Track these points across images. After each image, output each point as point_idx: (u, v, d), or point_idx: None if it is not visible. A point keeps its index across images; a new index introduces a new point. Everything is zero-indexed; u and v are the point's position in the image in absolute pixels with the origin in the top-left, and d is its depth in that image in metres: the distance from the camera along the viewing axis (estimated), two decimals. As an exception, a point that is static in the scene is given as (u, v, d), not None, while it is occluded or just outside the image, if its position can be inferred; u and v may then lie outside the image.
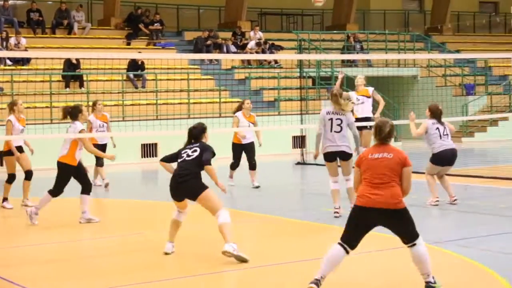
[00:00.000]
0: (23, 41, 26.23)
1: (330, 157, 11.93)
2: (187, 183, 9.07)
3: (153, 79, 26.27)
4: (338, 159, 11.99)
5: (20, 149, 13.81)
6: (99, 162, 16.82)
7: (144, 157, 23.67)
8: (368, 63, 31.63)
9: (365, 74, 29.81)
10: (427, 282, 7.20)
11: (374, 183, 7.17)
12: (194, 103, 25.15)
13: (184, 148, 9.41)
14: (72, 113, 12.19)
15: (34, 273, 8.73)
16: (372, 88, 17.37)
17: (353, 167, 7.58)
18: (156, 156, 23.60)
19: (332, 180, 11.92)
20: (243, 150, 16.57)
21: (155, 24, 30.60)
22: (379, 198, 7.11)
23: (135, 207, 14.61)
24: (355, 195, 7.63)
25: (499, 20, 41.71)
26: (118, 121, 22.44)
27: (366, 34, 33.74)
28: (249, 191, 16.04)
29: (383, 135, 7.40)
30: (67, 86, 25.06)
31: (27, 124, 14.52)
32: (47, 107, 23.03)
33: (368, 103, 17.08)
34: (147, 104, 24.69)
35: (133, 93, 25.53)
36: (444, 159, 12.90)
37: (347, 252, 7.22)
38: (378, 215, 7.14)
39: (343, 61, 30.97)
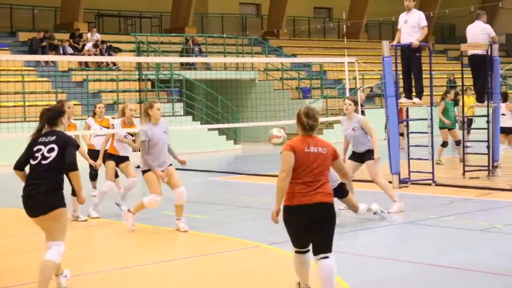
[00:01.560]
0: None
1: None
2: (41, 195, 7.34)
3: (-15, 81, 25.33)
4: None
5: None
6: None
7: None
8: (207, 66, 31.79)
9: (204, 77, 30.19)
10: None
11: (310, 180, 6.74)
12: (30, 105, 24.43)
13: (37, 141, 7.55)
14: None
15: None
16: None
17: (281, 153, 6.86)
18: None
19: None
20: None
21: (-13, 24, 29.55)
22: (318, 193, 6.74)
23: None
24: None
25: (332, 26, 42.97)
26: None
27: (204, 37, 33.92)
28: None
29: (316, 124, 6.92)
30: None
31: None
32: None
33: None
34: (-21, 107, 23.77)
35: (-35, 95, 24.54)
36: None
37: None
38: (318, 210, 6.73)
39: (182, 64, 30.98)
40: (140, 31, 35.72)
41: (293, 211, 6.77)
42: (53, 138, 7.50)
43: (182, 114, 27.85)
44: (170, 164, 11.20)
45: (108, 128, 14.81)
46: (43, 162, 7.40)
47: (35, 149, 7.51)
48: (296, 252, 6.93)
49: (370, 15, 41.26)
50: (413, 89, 15.64)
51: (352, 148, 12.29)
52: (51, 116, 7.65)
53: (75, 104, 25.86)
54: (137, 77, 28.70)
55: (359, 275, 8.19)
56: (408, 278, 8.19)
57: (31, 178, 7.44)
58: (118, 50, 31.25)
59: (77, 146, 7.69)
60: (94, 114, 15.43)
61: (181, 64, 30.98)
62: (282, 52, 35.35)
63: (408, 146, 16.21)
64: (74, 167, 7.41)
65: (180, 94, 28.74)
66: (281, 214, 6.81)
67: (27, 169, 7.62)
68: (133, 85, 28.38)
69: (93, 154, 13.93)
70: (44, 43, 29.19)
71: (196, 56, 31.52)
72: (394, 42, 15.72)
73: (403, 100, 16.06)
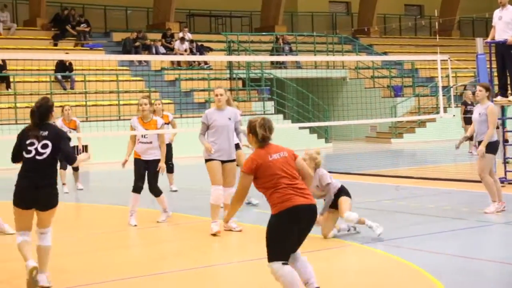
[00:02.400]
0: None
1: None
2: (43, 190, 7.55)
3: (81, 81, 25.94)
4: None
5: None
6: (62, 164, 16.18)
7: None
8: (297, 65, 31.82)
9: (294, 76, 30.24)
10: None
11: (290, 183, 6.67)
12: (124, 104, 24.93)
13: (27, 135, 7.67)
14: None
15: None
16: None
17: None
18: (86, 158, 23.37)
19: None
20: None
21: (82, 25, 30.22)
22: (303, 195, 6.68)
23: (69, 209, 14.40)
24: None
25: (424, 23, 42.42)
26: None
27: (294, 36, 33.94)
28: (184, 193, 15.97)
29: (270, 133, 6.82)
30: (-7, 87, 24.60)
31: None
32: (-28, 109, 22.57)
33: None
34: (77, 105, 24.36)
35: (62, 94, 25.17)
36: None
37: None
38: (306, 212, 6.68)
39: (272, 62, 31.10)
40: (230, 31, 35.99)
41: (288, 214, 6.58)
42: (46, 133, 7.63)
43: (273, 112, 27.97)
44: (233, 160, 11.00)
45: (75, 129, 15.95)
46: (38, 157, 7.55)
47: (27, 142, 7.64)
48: (284, 264, 6.58)
49: (462, 12, 40.57)
50: (509, 86, 15.31)
51: (475, 137, 12.24)
52: (43, 112, 7.73)
53: (168, 103, 26.34)
54: (228, 76, 28.94)
55: (454, 276, 8.08)
56: (508, 280, 8.04)
57: (26, 171, 7.60)
58: (209, 49, 31.58)
59: (68, 138, 7.82)
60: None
61: (272, 62, 31.10)
62: (373, 50, 35.10)
63: (504, 145, 15.89)
64: (73, 159, 7.79)
65: (270, 93, 28.85)
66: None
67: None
68: (224, 84, 28.60)
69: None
70: (137, 43, 29.73)
71: (286, 54, 31.58)
72: (488, 39, 15.41)
73: (498, 98, 15.73)
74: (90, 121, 23.66)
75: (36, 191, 7.52)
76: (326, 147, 27.95)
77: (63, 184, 16.20)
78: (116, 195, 15.64)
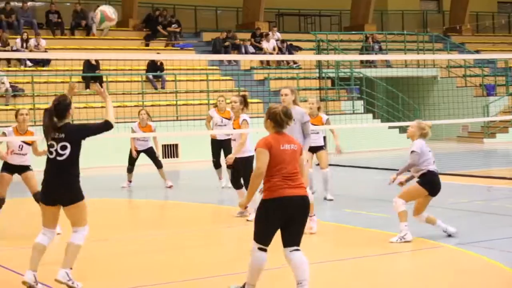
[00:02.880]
0: (43, 42, 26.34)
1: None
2: (68, 186, 7.69)
3: (172, 80, 26.29)
4: None
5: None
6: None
7: (165, 158, 23.63)
8: (387, 64, 31.54)
9: (384, 75, 29.97)
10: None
11: (289, 174, 6.89)
12: (214, 103, 25.12)
13: (47, 135, 7.78)
14: None
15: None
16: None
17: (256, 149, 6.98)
18: (177, 156, 23.69)
19: None
20: (221, 147, 16.01)
21: (173, 26, 30.63)
22: (297, 188, 6.89)
23: (156, 207, 14.61)
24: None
25: (518, 20, 41.50)
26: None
27: (384, 34, 33.64)
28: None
29: (287, 122, 7.04)
30: (87, 87, 25.10)
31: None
32: (67, 108, 23.08)
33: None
34: (167, 105, 24.71)
35: (153, 94, 25.56)
36: None
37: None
38: (299, 204, 6.86)
39: (362, 61, 30.90)
40: (319, 30, 35.90)
41: (273, 204, 6.83)
42: (63, 135, 7.72)
43: (362, 112, 27.79)
44: None
45: (229, 119, 15.78)
46: (59, 158, 7.68)
47: (48, 143, 7.80)
48: (260, 249, 6.92)
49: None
50: None
51: None
52: (61, 110, 7.80)
53: (256, 102, 26.46)
54: (317, 75, 28.88)
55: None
56: None
57: (49, 171, 7.72)
58: (298, 49, 31.59)
59: (86, 127, 8.03)
60: (216, 106, 16.45)
61: (361, 61, 30.91)
62: (465, 49, 34.48)
63: None
64: (109, 126, 8.03)
65: (360, 92, 28.67)
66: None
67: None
68: (313, 83, 28.60)
69: (214, 143, 15.82)
70: (227, 43, 29.96)
71: (376, 53, 31.33)
72: None
73: None
74: (180, 120, 23.96)
75: (59, 187, 7.65)
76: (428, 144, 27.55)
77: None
78: (206, 193, 15.77)
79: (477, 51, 33.95)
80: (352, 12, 36.66)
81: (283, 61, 30.30)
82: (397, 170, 10.25)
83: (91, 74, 25.25)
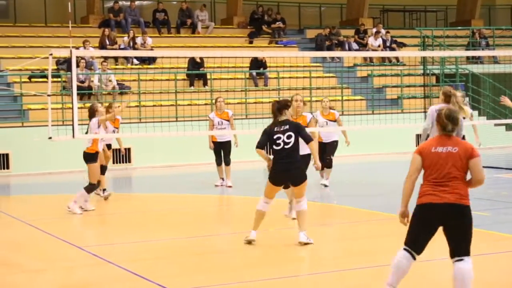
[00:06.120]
0: (149, 40, 26.89)
1: None
2: (295, 171, 9.79)
3: (275, 77, 26.42)
4: None
5: (108, 146, 15.44)
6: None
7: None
8: (495, 60, 30.85)
9: (491, 71, 29.30)
10: None
11: (438, 180, 6.66)
12: (316, 101, 25.13)
13: (274, 130, 9.78)
14: None
15: (159, 268, 8.94)
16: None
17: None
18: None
19: None
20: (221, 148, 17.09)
21: (277, 23, 30.76)
22: (444, 194, 6.61)
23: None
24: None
25: None
26: (242, 119, 22.73)
27: (492, 30, 32.92)
28: (367, 189, 15.94)
29: (452, 127, 6.73)
30: (191, 84, 25.51)
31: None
32: (172, 105, 23.54)
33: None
34: (270, 102, 24.79)
35: (256, 91, 25.74)
36: None
37: (414, 258, 6.81)
38: (443, 211, 6.62)
39: (468, 58, 30.32)
40: (425, 25, 35.42)
41: (418, 210, 6.76)
42: (287, 126, 9.78)
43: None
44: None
45: (227, 120, 16.43)
46: (286, 146, 9.68)
47: (275, 137, 9.74)
48: (405, 249, 6.82)
49: None
50: None
51: None
52: (279, 108, 9.89)
53: (360, 99, 26.33)
54: (421, 71, 28.52)
55: None
56: None
57: (280, 158, 9.79)
58: (403, 45, 31.25)
59: (304, 129, 10.01)
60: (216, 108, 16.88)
61: (467, 58, 30.33)
62: None
63: None
64: (310, 138, 9.94)
65: (465, 88, 28.14)
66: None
67: None
68: (417, 80, 28.27)
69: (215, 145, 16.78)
70: (330, 40, 29.87)
71: (482, 49, 30.70)
72: None
73: None
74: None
75: (290, 171, 9.84)
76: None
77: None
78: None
79: None
80: (459, 7, 36.04)
81: (387, 57, 30.02)
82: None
83: (196, 71, 25.64)
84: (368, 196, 15.22)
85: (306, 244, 9.75)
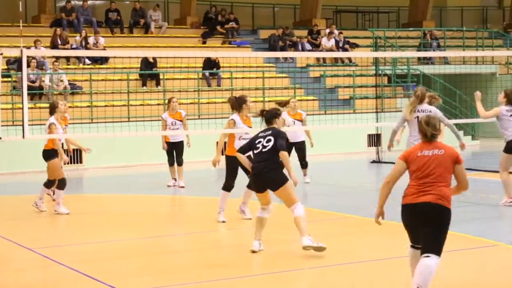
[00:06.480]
0: (102, 40, 26.69)
1: None
2: (269, 173, 9.31)
3: (228, 78, 26.42)
4: None
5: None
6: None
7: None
8: (445, 61, 31.22)
9: (442, 72, 29.66)
10: None
11: (424, 180, 6.87)
12: (269, 101, 25.16)
13: (258, 136, 9.61)
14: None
15: (111, 269, 8.89)
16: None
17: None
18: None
19: None
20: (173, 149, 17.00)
21: (230, 23, 30.76)
22: (426, 194, 6.81)
23: (210, 204, 14.71)
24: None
25: None
26: (194, 119, 22.67)
27: (443, 31, 33.32)
28: (323, 189, 16.01)
29: (432, 133, 6.96)
30: (144, 84, 25.38)
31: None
32: (124, 105, 23.41)
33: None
34: (223, 102, 24.77)
35: (209, 91, 25.70)
36: None
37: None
38: (422, 210, 6.81)
39: (419, 58, 30.63)
40: (377, 26, 35.71)
41: (402, 210, 7.02)
42: (269, 132, 9.52)
43: (420, 109, 27.49)
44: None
45: (180, 121, 16.58)
46: (263, 150, 9.41)
47: (256, 141, 9.55)
48: (411, 246, 7.13)
49: None
50: None
51: None
52: (269, 117, 9.71)
53: (312, 100, 26.44)
54: (373, 72, 28.74)
55: None
56: None
57: (255, 162, 9.50)
58: (355, 46, 31.46)
59: (286, 138, 9.81)
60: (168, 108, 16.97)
61: (419, 58, 30.64)
62: (525, 45, 33.96)
63: None
64: (283, 148, 9.41)
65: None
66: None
67: None
68: (369, 80, 28.47)
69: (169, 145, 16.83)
70: (283, 41, 29.94)
71: (434, 50, 31.04)
72: None
73: None
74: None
75: (262, 175, 9.45)
76: (472, 144, 27.29)
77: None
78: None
79: (538, 48, 33.41)
80: (411, 8, 36.40)
81: (339, 58, 30.19)
82: None
83: (148, 71, 25.52)
84: (321, 195, 15.27)
85: (313, 248, 9.19)
